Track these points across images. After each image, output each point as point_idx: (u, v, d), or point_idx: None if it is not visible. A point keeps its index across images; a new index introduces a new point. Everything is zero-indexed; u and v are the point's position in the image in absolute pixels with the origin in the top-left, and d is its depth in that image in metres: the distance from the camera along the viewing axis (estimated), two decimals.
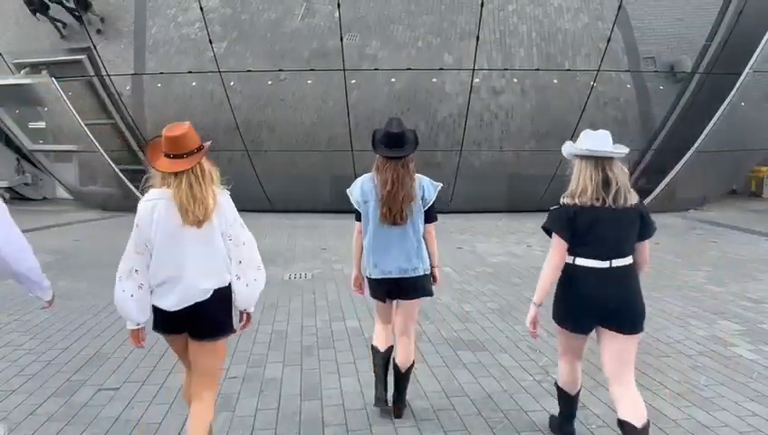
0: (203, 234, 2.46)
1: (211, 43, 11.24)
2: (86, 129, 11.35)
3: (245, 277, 2.57)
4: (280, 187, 12.57)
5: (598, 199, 2.61)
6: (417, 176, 3.14)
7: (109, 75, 11.55)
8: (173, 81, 12.38)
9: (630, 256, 2.67)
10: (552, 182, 12.30)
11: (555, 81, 11.93)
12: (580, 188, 2.65)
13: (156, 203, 2.46)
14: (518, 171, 12.37)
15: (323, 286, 6.52)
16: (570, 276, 2.70)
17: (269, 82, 11.92)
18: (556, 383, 3.04)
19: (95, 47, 11.38)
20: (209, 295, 2.47)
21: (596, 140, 2.66)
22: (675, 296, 5.87)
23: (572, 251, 2.69)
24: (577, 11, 12.14)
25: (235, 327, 2.65)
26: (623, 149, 2.68)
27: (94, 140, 11.22)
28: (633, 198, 2.63)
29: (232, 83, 12.05)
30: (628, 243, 2.66)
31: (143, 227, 2.47)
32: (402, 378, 3.24)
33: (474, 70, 11.04)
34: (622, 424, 2.57)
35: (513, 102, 11.99)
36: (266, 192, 12.53)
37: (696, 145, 10.95)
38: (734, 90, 10.56)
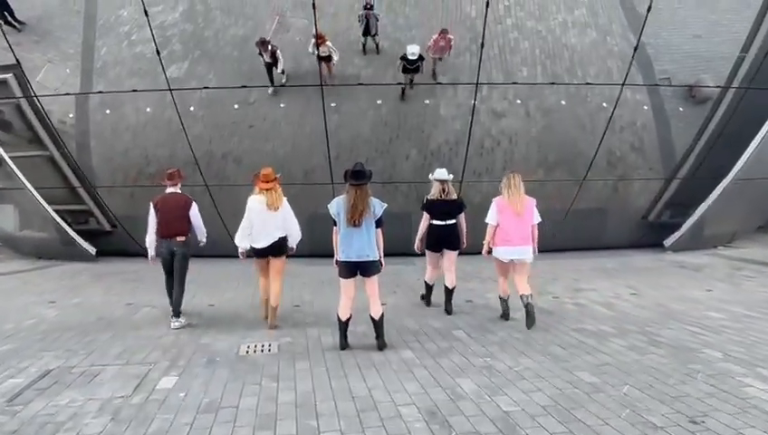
0: (275, 214, 5.79)
1: (160, 55, 9.60)
2: (9, 161, 9.46)
3: (290, 235, 5.96)
4: None
5: (440, 196, 6.27)
6: (372, 198, 5.01)
7: (36, 97, 9.76)
8: (124, 107, 10.62)
9: (455, 220, 6.30)
10: (566, 218, 10.73)
11: (563, 102, 10.48)
12: (435, 192, 6.31)
13: (254, 204, 5.77)
14: None
15: (292, 366, 4.64)
16: (431, 228, 6.33)
17: (235, 106, 10.25)
18: (425, 281, 6.73)
19: (20, 64, 9.59)
20: (276, 240, 5.83)
21: (441, 174, 6.39)
22: None
23: (431, 217, 6.30)
24: (584, 26, 10.86)
25: (289, 250, 6.05)
26: (449, 177, 6.40)
27: (20, 175, 9.34)
28: (454, 196, 6.36)
29: (192, 108, 10.36)
30: (452, 214, 6.28)
31: (250, 210, 5.79)
32: (378, 325, 5.08)
33: (477, 84, 9.49)
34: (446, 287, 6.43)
35: (517, 127, 10.46)
36: (232, 234, 10.65)
37: (733, 173, 9.49)
38: None
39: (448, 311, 6.34)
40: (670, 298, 6.79)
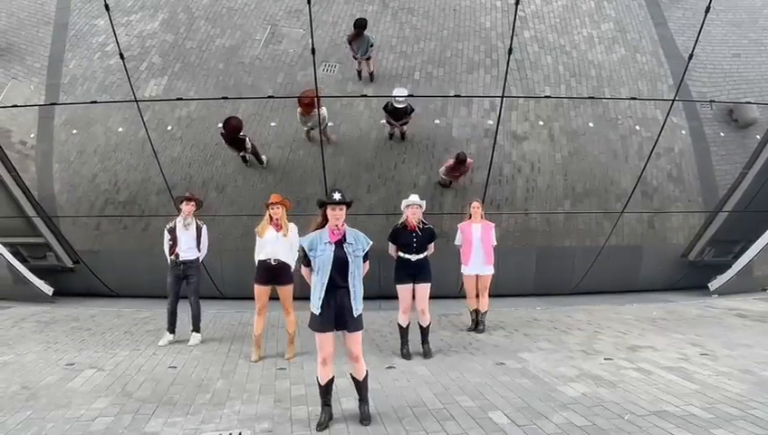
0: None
1: (123, 59, 8.44)
2: None
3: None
4: (231, 266, 9.29)
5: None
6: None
7: None
8: (93, 126, 9.36)
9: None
10: (598, 258, 9.36)
11: (591, 124, 9.25)
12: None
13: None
14: (549, 242, 9.38)
15: None
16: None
17: (219, 125, 8.97)
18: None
19: None
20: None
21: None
22: None
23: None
24: (611, 41, 9.73)
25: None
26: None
27: None
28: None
29: (170, 128, 9.08)
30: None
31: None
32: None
33: (503, 97, 8.23)
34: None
35: (540, 152, 9.19)
36: (212, 273, 9.23)
37: None
38: None
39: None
40: (754, 362, 5.37)
